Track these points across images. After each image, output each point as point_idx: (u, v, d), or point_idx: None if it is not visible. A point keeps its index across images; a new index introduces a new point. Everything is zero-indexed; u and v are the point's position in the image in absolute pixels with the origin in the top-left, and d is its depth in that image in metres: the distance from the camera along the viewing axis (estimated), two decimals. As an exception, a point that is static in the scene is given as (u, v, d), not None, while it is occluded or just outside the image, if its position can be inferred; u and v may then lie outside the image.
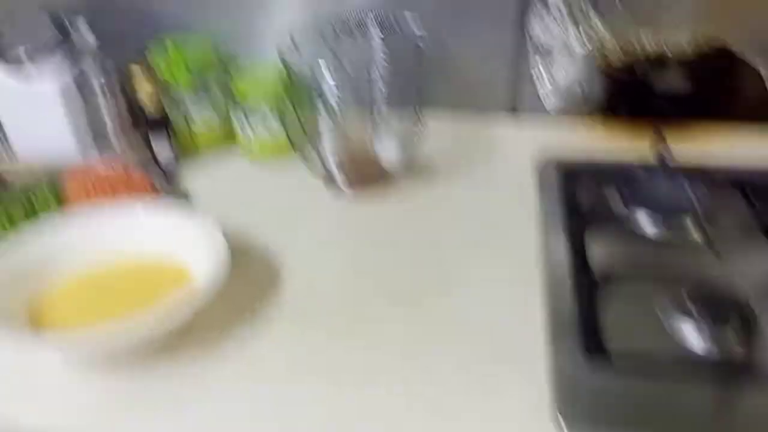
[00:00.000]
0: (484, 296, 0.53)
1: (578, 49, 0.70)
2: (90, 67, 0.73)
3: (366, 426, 0.43)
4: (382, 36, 0.64)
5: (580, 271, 0.55)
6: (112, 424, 0.44)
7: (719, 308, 0.49)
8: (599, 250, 0.58)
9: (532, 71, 0.75)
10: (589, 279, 0.54)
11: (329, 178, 0.68)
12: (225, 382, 0.46)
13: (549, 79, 0.74)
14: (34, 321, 0.49)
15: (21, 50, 0.71)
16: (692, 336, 0.48)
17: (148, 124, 0.73)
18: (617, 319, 0.50)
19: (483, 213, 0.65)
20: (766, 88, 0.69)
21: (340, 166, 0.67)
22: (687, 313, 0.49)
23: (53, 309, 0.51)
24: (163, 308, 0.46)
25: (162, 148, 0.74)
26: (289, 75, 0.64)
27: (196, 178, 0.74)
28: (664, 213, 0.61)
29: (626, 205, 0.63)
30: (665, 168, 0.65)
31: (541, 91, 0.75)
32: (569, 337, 0.47)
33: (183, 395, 0.46)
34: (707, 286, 0.51)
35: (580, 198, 0.65)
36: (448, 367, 0.47)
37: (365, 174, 0.69)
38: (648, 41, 0.71)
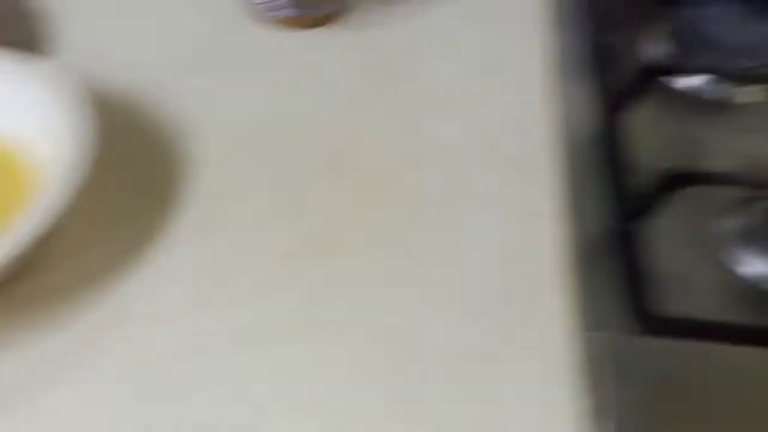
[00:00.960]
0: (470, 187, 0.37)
1: None
2: None
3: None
4: None
5: (613, 160, 0.38)
6: None
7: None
8: (640, 125, 0.41)
9: None
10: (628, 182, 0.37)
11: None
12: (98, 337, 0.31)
13: None
14: None
15: None
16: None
17: None
18: (671, 262, 0.34)
19: (473, 54, 0.45)
20: None
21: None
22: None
23: None
24: (9, 230, 0.29)
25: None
26: None
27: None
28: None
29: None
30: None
31: None
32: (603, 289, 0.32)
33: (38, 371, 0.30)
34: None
35: (614, 40, 0.46)
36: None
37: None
38: None
